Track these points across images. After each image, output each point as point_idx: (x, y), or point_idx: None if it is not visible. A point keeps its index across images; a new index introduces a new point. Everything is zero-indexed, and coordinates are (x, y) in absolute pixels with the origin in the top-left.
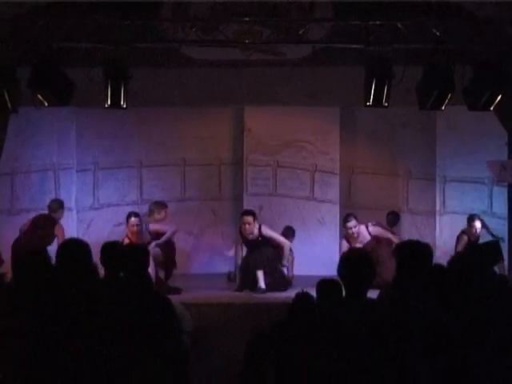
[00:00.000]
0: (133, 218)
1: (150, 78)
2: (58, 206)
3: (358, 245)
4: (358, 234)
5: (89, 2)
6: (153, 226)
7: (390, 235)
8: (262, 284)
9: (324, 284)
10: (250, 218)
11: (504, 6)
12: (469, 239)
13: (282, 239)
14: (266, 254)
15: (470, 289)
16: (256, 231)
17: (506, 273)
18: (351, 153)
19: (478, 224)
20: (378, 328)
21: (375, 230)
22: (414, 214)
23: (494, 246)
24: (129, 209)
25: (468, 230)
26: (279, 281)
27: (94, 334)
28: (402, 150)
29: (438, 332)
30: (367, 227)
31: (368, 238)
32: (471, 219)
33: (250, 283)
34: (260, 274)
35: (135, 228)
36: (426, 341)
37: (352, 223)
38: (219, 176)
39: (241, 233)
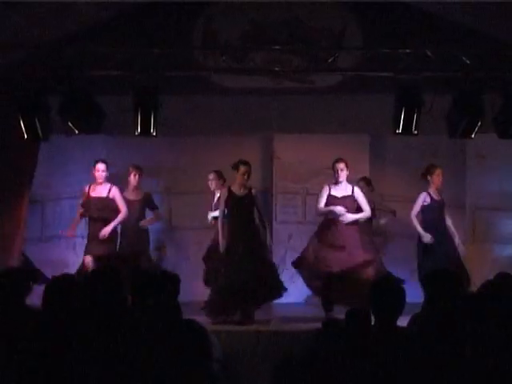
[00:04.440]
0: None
1: (179, 106)
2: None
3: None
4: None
5: (119, 31)
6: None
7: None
8: None
9: (353, 313)
10: None
11: None
12: None
13: None
14: None
15: (502, 317)
16: None
17: None
18: (381, 181)
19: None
20: (408, 358)
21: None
22: None
23: None
24: (157, 236)
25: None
26: None
27: (125, 362)
28: None
29: (470, 363)
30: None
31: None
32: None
33: None
34: None
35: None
36: (458, 372)
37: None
38: None
39: None
